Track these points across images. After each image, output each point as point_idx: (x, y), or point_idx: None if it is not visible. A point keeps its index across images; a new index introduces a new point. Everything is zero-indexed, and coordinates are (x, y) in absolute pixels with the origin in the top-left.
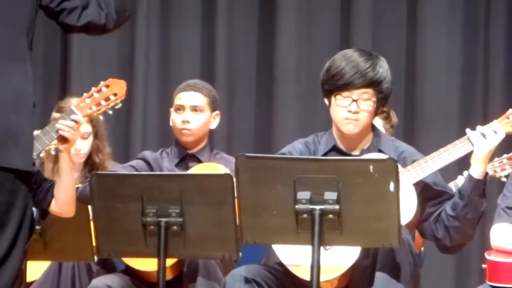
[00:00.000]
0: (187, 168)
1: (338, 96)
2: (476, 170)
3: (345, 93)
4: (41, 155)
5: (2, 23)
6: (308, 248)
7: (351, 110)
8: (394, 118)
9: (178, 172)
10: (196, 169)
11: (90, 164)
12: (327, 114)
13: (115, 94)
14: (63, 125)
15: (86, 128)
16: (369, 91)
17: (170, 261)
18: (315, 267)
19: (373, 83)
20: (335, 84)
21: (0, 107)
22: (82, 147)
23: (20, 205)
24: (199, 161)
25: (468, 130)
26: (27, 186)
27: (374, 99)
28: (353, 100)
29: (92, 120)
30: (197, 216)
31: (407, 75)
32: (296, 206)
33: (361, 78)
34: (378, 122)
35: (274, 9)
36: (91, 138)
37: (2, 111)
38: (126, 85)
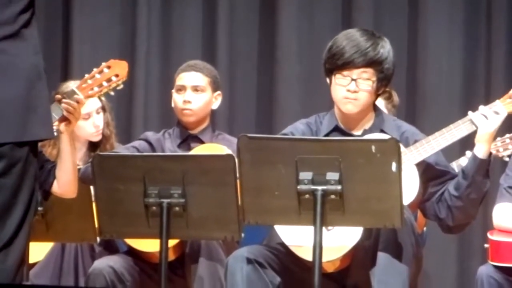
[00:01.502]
0: (189, 149)
1: (338, 75)
2: (481, 150)
3: (345, 72)
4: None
5: None
6: (310, 228)
7: (350, 89)
8: (396, 98)
9: (180, 153)
10: (198, 150)
11: (93, 143)
12: (328, 95)
13: (116, 75)
14: (68, 105)
15: (98, 103)
16: (369, 70)
17: (172, 242)
18: (317, 248)
19: (374, 63)
20: (335, 63)
21: (17, 79)
22: (100, 123)
23: (28, 188)
24: (201, 142)
25: (470, 112)
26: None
27: (374, 79)
28: (352, 79)
29: None
30: (199, 197)
31: (409, 55)
32: (298, 187)
33: (361, 57)
34: (380, 102)
35: None
36: (101, 112)
37: (21, 82)
38: (128, 66)
